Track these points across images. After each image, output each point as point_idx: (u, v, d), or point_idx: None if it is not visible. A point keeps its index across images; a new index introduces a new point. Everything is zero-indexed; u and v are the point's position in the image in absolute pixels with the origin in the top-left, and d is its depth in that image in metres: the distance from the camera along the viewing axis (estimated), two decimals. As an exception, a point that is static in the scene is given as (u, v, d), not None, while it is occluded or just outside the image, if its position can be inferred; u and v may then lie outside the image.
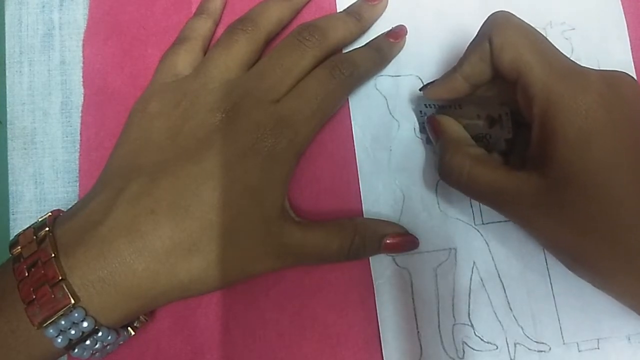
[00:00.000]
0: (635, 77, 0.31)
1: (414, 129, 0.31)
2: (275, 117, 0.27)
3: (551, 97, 0.23)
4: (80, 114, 0.31)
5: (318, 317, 0.29)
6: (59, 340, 0.23)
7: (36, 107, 0.31)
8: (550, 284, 0.29)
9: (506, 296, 0.29)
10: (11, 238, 0.28)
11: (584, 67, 0.24)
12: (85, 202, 0.26)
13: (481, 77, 0.26)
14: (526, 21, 0.25)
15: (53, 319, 0.23)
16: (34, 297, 0.23)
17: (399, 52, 0.31)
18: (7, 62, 0.32)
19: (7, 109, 0.31)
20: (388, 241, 0.28)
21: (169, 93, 0.28)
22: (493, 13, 0.25)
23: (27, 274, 0.23)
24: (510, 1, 0.30)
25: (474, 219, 0.30)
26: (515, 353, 0.29)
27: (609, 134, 0.22)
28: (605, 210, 0.22)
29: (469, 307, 0.29)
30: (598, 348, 0.29)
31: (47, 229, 0.25)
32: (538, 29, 0.24)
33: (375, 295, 0.29)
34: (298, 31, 0.29)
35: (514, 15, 0.25)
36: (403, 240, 0.29)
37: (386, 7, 0.32)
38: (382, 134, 0.31)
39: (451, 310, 0.29)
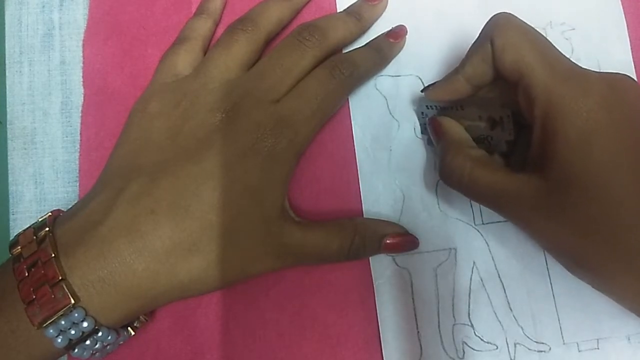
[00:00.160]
0: (635, 78, 0.31)
1: (414, 129, 0.31)
2: (275, 117, 0.27)
3: (552, 99, 0.23)
4: (80, 114, 0.31)
5: (318, 317, 0.29)
6: (59, 340, 0.23)
7: (36, 107, 0.31)
8: (550, 284, 0.29)
9: (506, 296, 0.29)
10: (11, 238, 0.28)
11: (585, 69, 0.24)
12: (85, 202, 0.26)
13: (483, 79, 0.26)
14: (526, 21, 0.25)
15: (53, 319, 0.23)
16: (34, 297, 0.23)
17: (399, 52, 0.31)
18: (7, 62, 0.32)
19: (7, 109, 0.31)
20: (388, 241, 0.28)
21: (169, 93, 0.28)
22: (495, 14, 0.25)
23: (27, 274, 0.23)
24: (510, 1, 0.30)
25: (474, 219, 0.30)
26: (515, 353, 0.29)
27: (610, 135, 0.22)
28: (606, 212, 0.22)
29: (469, 307, 0.29)
30: (598, 348, 0.29)
31: (47, 229, 0.25)
32: (538, 29, 0.24)
33: (375, 295, 0.29)
34: (298, 31, 0.29)
35: (515, 16, 0.25)
36: (403, 240, 0.29)
37: (386, 7, 0.32)
38: (382, 134, 0.31)
39: (451, 310, 0.29)
